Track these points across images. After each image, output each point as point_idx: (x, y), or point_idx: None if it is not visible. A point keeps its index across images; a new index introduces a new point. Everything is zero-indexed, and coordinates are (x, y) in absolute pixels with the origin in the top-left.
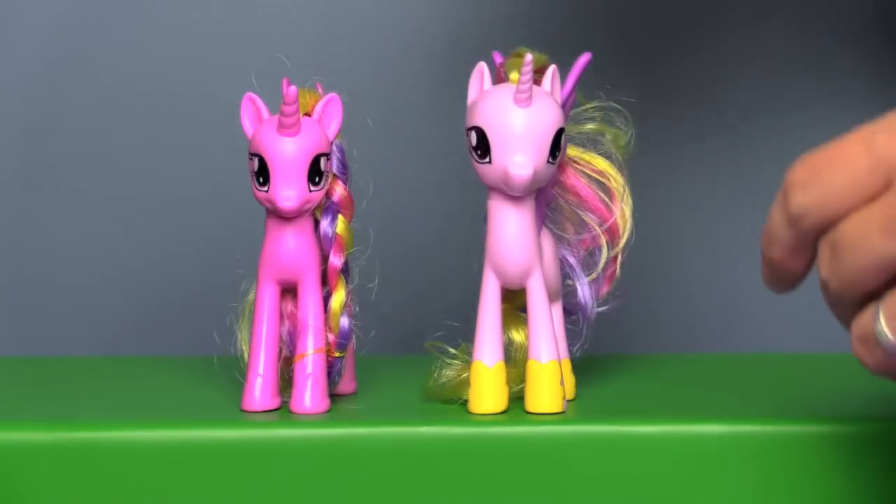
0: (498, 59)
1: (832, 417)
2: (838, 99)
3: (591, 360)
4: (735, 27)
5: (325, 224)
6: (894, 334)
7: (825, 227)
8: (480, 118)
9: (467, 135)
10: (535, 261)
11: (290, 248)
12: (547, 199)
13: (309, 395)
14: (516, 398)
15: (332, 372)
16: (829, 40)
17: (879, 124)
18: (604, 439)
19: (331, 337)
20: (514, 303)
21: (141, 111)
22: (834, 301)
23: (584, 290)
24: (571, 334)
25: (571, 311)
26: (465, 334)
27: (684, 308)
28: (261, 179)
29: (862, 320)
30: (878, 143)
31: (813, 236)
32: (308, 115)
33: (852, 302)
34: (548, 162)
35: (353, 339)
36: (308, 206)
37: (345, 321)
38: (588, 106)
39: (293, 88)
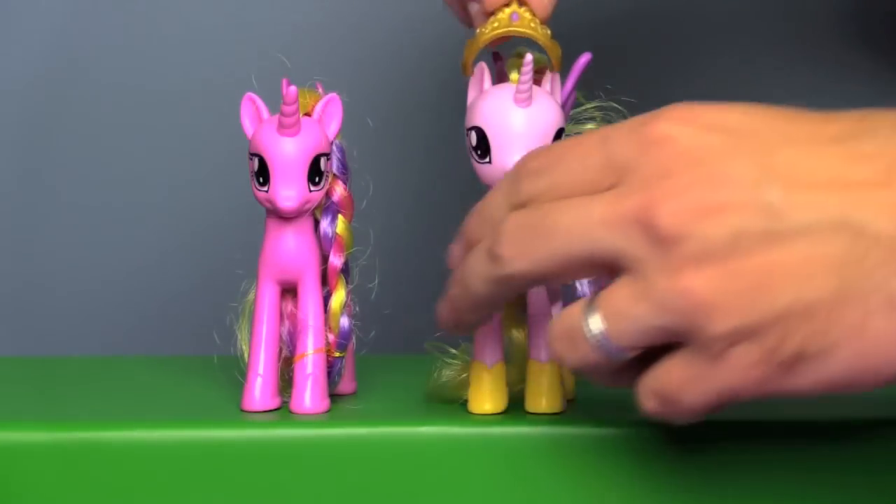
0: (498, 59)
1: (830, 415)
2: (838, 94)
3: None
4: (735, 27)
5: (325, 224)
6: (609, 329)
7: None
8: (480, 118)
9: (467, 135)
10: None
11: (290, 248)
12: None
13: (309, 395)
14: (517, 398)
15: (332, 372)
16: (829, 37)
17: (617, 127)
18: (604, 439)
19: (331, 337)
20: (514, 302)
21: (140, 111)
22: (506, 283)
23: (584, 290)
24: None
25: None
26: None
27: None
28: (261, 179)
29: (567, 315)
30: (612, 144)
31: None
32: (308, 115)
33: (518, 287)
34: None
35: (353, 340)
36: (308, 206)
37: (345, 321)
38: (588, 106)
39: (293, 88)
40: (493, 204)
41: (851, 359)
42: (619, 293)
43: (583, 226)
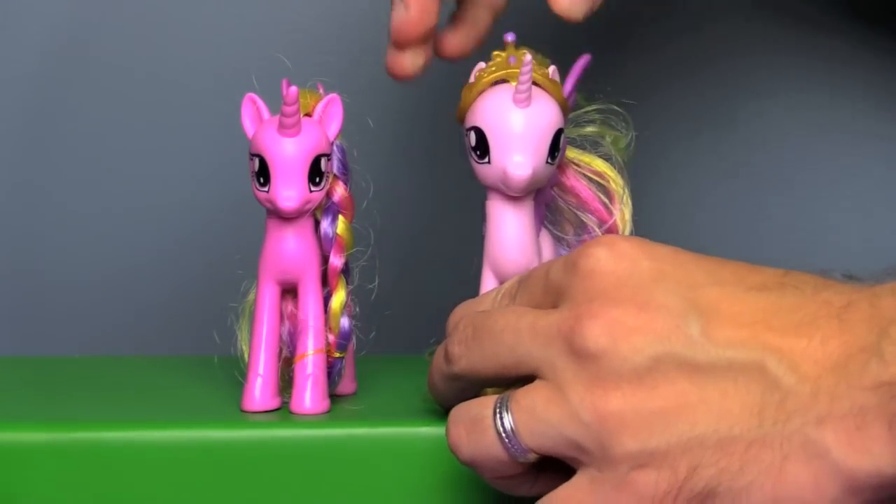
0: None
1: None
2: (839, 99)
3: None
4: (735, 25)
5: (325, 224)
6: (518, 425)
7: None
8: (480, 118)
9: (466, 135)
10: (534, 261)
11: (290, 249)
12: (546, 199)
13: (309, 395)
14: None
15: (332, 372)
16: (827, 34)
17: (558, 259)
18: None
19: (331, 337)
20: None
21: (141, 111)
22: (456, 380)
23: None
24: None
25: None
26: None
27: None
28: (261, 180)
29: (476, 404)
30: (552, 273)
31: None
32: (309, 115)
33: (468, 385)
34: (547, 162)
35: (354, 340)
36: (308, 206)
37: (345, 321)
38: (588, 108)
39: (293, 89)
40: (475, 307)
41: (766, 501)
42: (535, 393)
43: (512, 331)
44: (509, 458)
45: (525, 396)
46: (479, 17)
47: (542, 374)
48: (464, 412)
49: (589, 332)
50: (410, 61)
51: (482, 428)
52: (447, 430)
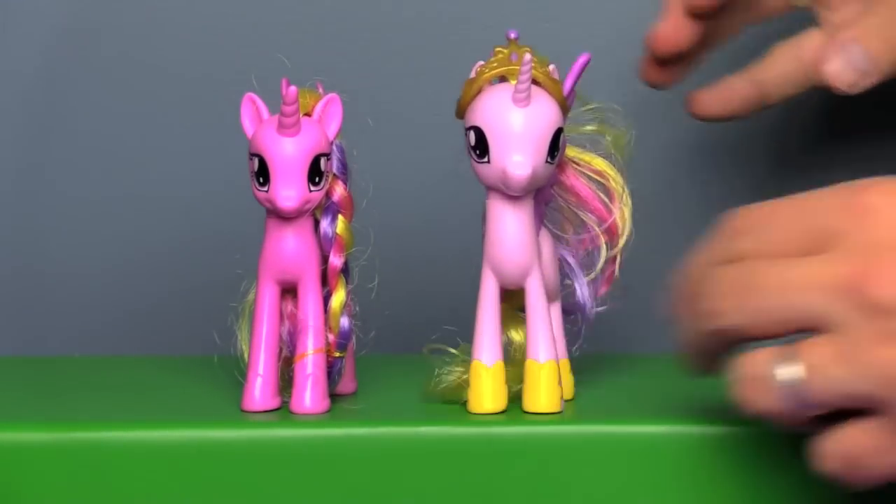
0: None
1: None
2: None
3: (590, 360)
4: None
5: (325, 224)
6: (806, 383)
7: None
8: (479, 118)
9: (466, 135)
10: (534, 261)
11: (290, 249)
12: (545, 198)
13: (309, 395)
14: (514, 398)
15: (332, 372)
16: None
17: (823, 195)
18: (603, 439)
19: (331, 337)
20: (513, 303)
21: (140, 111)
22: (717, 336)
23: (582, 290)
24: (570, 333)
25: (570, 310)
26: (464, 335)
27: None
28: (261, 179)
29: (757, 362)
30: (820, 211)
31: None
32: (308, 115)
33: (738, 340)
34: (546, 162)
35: (353, 339)
36: (308, 206)
37: (345, 321)
38: (588, 107)
39: (293, 88)
40: (705, 260)
41: None
42: (822, 350)
43: (793, 286)
44: (798, 413)
45: (811, 353)
46: (735, 86)
47: (826, 328)
48: (748, 369)
49: (884, 285)
50: (659, 75)
51: (769, 386)
52: (734, 388)
